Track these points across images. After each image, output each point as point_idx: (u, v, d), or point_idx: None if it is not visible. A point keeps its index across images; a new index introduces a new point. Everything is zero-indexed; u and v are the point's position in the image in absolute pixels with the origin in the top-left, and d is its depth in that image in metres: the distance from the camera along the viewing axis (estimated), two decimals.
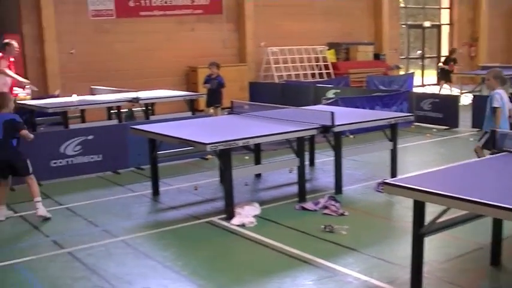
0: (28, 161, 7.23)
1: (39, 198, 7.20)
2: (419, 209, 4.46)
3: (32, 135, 7.30)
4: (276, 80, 18.49)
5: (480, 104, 12.97)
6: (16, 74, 11.58)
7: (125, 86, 13.75)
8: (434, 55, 25.26)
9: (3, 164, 7.15)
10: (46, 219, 7.15)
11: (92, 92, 13.37)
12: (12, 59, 11.43)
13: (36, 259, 5.91)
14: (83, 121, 12.26)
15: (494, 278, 5.33)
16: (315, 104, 11.81)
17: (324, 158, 9.75)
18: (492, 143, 5.68)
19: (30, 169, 7.22)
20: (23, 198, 7.95)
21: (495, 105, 7.70)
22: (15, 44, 11.37)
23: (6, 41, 11.40)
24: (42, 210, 7.18)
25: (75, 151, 9.30)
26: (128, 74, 16.25)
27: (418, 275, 4.66)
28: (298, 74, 19.41)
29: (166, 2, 16.99)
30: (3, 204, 7.31)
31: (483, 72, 18.86)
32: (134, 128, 8.27)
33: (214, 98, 12.98)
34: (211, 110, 12.94)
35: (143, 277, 5.39)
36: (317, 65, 19.85)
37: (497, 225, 5.35)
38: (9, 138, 7.09)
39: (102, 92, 13.12)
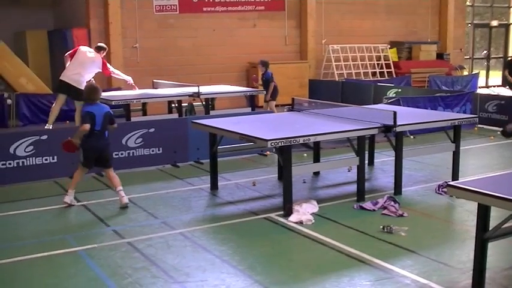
0: None
1: (121, 187, 7.49)
2: (484, 213, 4.37)
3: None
4: (336, 78, 18.37)
5: None
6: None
7: (186, 81, 13.94)
8: (501, 55, 24.56)
9: (96, 154, 7.44)
10: (125, 207, 7.44)
11: (154, 86, 13.61)
12: None
13: (98, 247, 6.06)
14: (145, 114, 12.48)
15: None
16: (374, 103, 11.71)
17: (383, 158, 9.63)
18: None
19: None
20: (85, 188, 8.18)
21: None
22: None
23: (103, 44, 11.82)
24: (125, 197, 7.49)
25: (137, 143, 9.49)
26: (189, 68, 16.47)
27: (481, 281, 4.56)
28: (359, 72, 19.22)
29: None
30: (74, 188, 7.57)
31: None
32: (195, 122, 8.35)
33: (265, 94, 13.13)
34: (269, 107, 13.04)
35: (201, 270, 5.45)
36: (378, 63, 19.60)
37: None
38: (105, 129, 7.40)
39: (164, 86, 13.33)
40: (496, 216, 4.44)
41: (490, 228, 4.44)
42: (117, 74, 11.98)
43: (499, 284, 5.07)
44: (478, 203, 4.33)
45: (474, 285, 4.60)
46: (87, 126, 7.22)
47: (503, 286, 5.04)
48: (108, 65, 11.77)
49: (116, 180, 7.50)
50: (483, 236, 4.40)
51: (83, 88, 9.72)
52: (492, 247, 5.23)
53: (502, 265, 5.48)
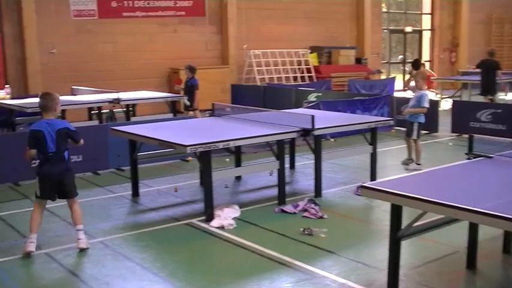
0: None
1: (82, 226, 6.21)
2: (396, 213, 4.51)
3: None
4: (258, 83, 18.52)
5: (460, 109, 13.17)
6: None
7: (107, 87, 13.71)
8: None
9: (54, 183, 6.05)
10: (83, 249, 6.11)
11: (73, 92, 13.31)
12: None
13: (13, 260, 5.86)
14: None
15: (470, 281, 5.39)
16: (296, 107, 11.87)
17: (305, 161, 9.79)
18: (469, 148, 5.75)
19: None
20: (1, 198, 7.91)
21: (426, 105, 9.48)
22: None
23: None
24: (83, 240, 6.14)
25: None
26: (110, 74, 16.20)
27: (395, 278, 4.71)
28: (280, 77, 19.45)
29: (148, 4, 16.94)
30: (36, 232, 6.07)
31: (463, 78, 19.11)
32: (114, 129, 8.24)
33: (191, 102, 12.90)
34: (191, 113, 12.87)
35: (121, 279, 5.38)
36: (299, 68, 19.91)
37: (473, 229, 5.41)
38: (63, 150, 6.05)
39: (83, 93, 13.06)
40: (413, 215, 4.58)
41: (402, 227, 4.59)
42: None
43: (413, 280, 5.26)
44: (391, 203, 4.48)
45: (390, 282, 4.74)
46: (32, 152, 6.01)
47: (416, 282, 5.23)
48: None
49: (76, 215, 6.16)
50: (396, 234, 4.54)
51: None
52: (407, 245, 5.45)
53: (417, 262, 5.68)
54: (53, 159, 5.98)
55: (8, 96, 12.15)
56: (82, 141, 6.21)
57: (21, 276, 5.49)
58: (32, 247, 5.93)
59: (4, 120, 11.88)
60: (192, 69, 12.89)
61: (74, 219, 6.19)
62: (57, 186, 6.07)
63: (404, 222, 4.55)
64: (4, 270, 5.61)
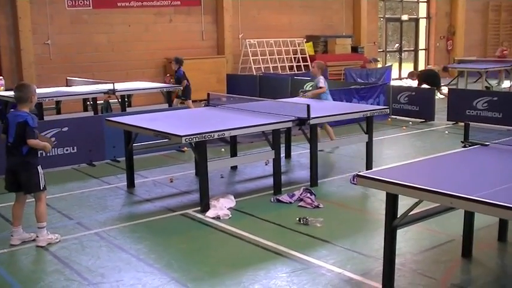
0: (40, 176, 5.99)
1: (44, 224, 6.06)
2: (392, 202, 4.49)
3: (48, 146, 6.15)
4: (254, 73, 18.46)
5: (456, 97, 13.15)
6: None
7: (102, 78, 13.65)
8: (412, 48, 25.46)
9: (9, 174, 6.01)
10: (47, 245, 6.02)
11: (68, 83, 13.25)
12: None
13: (8, 252, 5.84)
14: (58, 113, 12.13)
15: (466, 269, 5.39)
16: (292, 97, 11.82)
17: (301, 151, 9.77)
18: (465, 136, 5.73)
19: (41, 185, 6.02)
20: None
21: (322, 85, 10.24)
22: None
23: None
24: (43, 240, 6.00)
25: None
26: (105, 65, 16.12)
27: (391, 267, 4.69)
28: (276, 67, 19.39)
29: None
30: (19, 225, 6.13)
31: (460, 66, 19.11)
32: (110, 120, 8.20)
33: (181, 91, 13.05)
34: (179, 104, 12.93)
35: (116, 270, 5.35)
36: (295, 57, 19.84)
37: (469, 217, 5.40)
38: (20, 143, 5.87)
39: (78, 84, 13.01)
40: (408, 204, 4.56)
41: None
42: None
43: (410, 268, 5.25)
44: (386, 192, 4.45)
45: (385, 271, 4.72)
46: (2, 136, 6.05)
47: (413, 270, 5.22)
48: None
49: (39, 212, 6.03)
50: (392, 223, 4.52)
51: None
52: (403, 234, 5.44)
53: (413, 250, 5.68)
54: (10, 150, 5.94)
55: (2, 88, 12.08)
56: (33, 142, 5.85)
57: (16, 269, 5.46)
58: (14, 240, 6.09)
59: None
60: (178, 61, 13.12)
61: (36, 215, 6.07)
62: (12, 178, 6.01)
63: (400, 211, 4.53)
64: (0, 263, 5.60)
